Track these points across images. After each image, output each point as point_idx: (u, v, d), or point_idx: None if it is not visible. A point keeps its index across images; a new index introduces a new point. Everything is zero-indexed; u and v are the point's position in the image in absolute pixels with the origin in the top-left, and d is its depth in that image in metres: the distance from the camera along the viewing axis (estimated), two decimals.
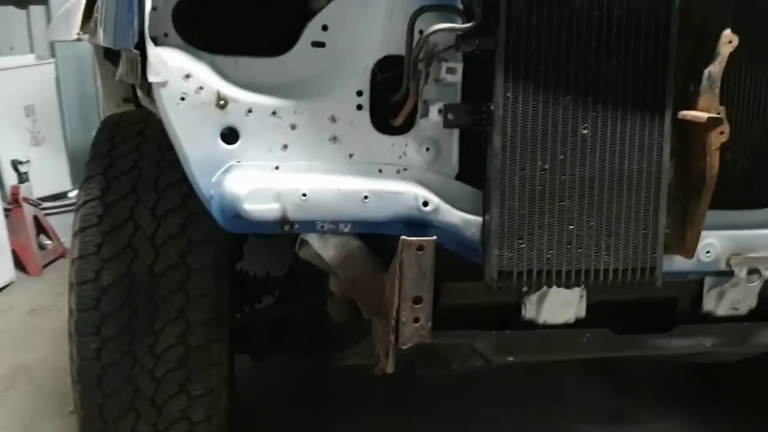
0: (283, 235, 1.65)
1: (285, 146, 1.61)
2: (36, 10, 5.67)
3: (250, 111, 1.58)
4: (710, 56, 1.57)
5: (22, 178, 4.90)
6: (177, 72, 1.54)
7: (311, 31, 1.60)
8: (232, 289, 2.14)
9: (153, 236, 1.94)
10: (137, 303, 1.92)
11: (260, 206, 1.57)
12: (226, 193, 1.57)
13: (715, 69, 1.56)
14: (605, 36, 1.53)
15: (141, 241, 1.94)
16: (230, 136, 1.59)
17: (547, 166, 1.57)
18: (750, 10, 1.65)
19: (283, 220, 1.59)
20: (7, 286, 4.46)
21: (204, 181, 1.59)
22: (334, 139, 1.62)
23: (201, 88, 1.55)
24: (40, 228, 4.87)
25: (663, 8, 1.55)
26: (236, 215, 1.58)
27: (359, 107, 1.61)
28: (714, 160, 1.58)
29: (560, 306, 1.84)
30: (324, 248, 1.73)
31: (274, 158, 1.61)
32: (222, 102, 1.57)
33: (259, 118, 1.59)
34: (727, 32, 1.56)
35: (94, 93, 5.52)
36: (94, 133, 2.24)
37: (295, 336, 2.35)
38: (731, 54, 1.57)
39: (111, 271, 1.92)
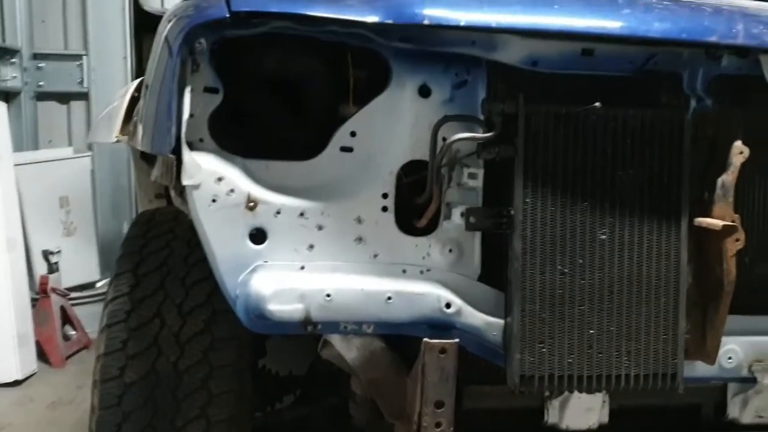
0: (305, 335, 1.66)
1: (311, 246, 1.64)
2: (76, 105, 5.84)
3: (278, 212, 1.62)
4: (723, 166, 1.61)
5: (52, 268, 4.93)
6: (210, 175, 1.59)
7: (340, 136, 1.66)
8: (254, 388, 2.14)
9: (178, 333, 1.95)
10: (160, 400, 1.91)
11: (284, 307, 1.59)
12: (251, 293, 1.59)
13: (728, 178, 1.60)
14: (620, 146, 1.59)
15: (166, 338, 1.95)
16: (258, 236, 1.62)
17: (566, 270, 1.59)
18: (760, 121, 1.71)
19: (306, 321, 1.60)
20: (29, 377, 4.43)
21: (230, 281, 1.61)
22: (360, 239, 1.65)
23: (232, 190, 1.60)
24: (66, 318, 4.90)
25: (676, 120, 1.61)
26: (260, 315, 1.59)
27: (384, 209, 1.65)
28: (731, 267, 1.59)
29: (583, 411, 1.82)
30: (346, 349, 1.73)
31: (300, 258, 1.63)
32: (252, 204, 1.61)
33: (287, 219, 1.63)
34: (738, 143, 1.60)
35: (127, 185, 5.63)
36: (125, 224, 2.30)
37: None
38: (743, 163, 1.61)
39: (135, 368, 1.93)
